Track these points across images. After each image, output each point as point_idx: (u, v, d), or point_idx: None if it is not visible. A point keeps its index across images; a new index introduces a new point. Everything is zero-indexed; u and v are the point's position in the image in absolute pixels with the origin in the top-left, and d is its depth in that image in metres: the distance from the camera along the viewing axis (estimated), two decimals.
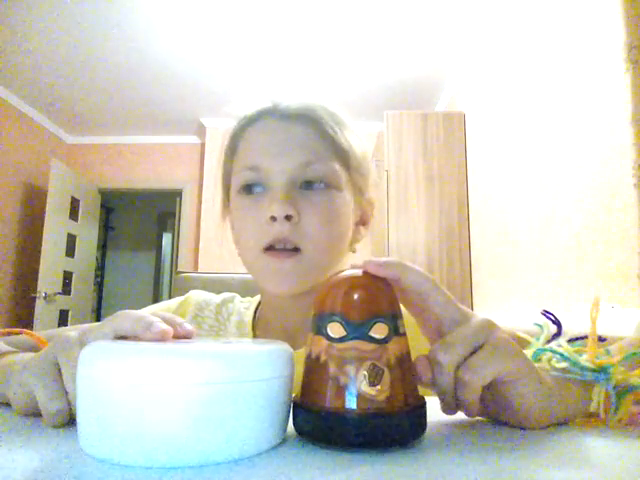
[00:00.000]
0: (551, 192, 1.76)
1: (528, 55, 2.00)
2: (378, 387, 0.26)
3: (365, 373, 0.26)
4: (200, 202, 4.00)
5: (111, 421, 0.23)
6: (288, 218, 0.51)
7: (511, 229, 2.15)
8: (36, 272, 3.48)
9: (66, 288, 3.82)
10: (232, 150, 0.60)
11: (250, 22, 2.63)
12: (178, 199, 4.44)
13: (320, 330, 0.28)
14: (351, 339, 0.27)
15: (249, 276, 0.59)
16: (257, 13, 2.55)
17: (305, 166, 0.54)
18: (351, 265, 0.32)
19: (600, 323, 0.43)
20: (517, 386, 0.30)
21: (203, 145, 4.17)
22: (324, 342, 0.27)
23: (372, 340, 0.27)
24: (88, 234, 4.20)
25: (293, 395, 0.29)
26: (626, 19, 1.33)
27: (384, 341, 0.27)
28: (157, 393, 0.23)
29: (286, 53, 2.94)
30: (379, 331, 0.27)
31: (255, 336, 0.62)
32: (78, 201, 3.99)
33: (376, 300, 0.28)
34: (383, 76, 3.20)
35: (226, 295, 0.69)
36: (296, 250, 0.52)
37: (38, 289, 3.45)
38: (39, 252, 3.49)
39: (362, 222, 0.62)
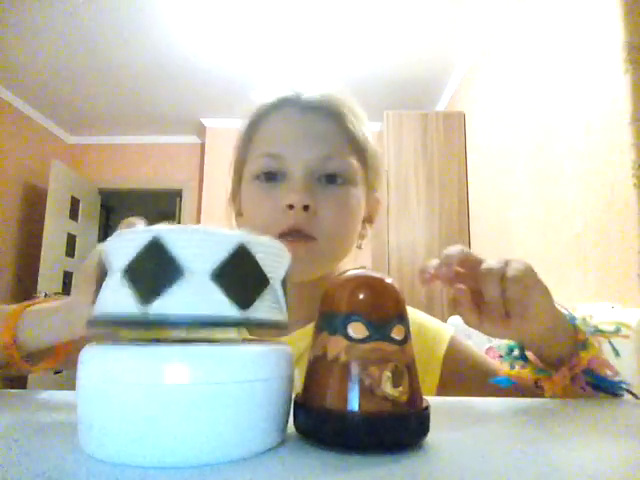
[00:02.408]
0: (551, 192, 1.76)
1: (528, 55, 2.00)
2: (400, 388, 0.26)
3: (389, 374, 0.26)
4: (200, 202, 3.99)
5: (111, 421, 0.23)
6: (306, 208, 0.51)
7: (511, 229, 2.15)
8: (36, 272, 3.48)
9: (66, 288, 3.82)
10: (249, 137, 0.59)
11: (249, 21, 2.63)
12: (178, 199, 4.44)
13: (337, 330, 0.28)
14: (374, 340, 0.27)
15: None
16: (256, 12, 2.55)
17: (325, 159, 0.54)
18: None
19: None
20: (533, 294, 0.41)
21: (203, 145, 4.17)
22: (344, 342, 0.27)
23: (393, 341, 0.27)
24: (88, 234, 4.20)
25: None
26: (626, 19, 1.33)
27: (403, 342, 0.28)
28: (157, 393, 0.23)
29: (286, 53, 2.94)
30: (398, 332, 0.28)
31: None
32: (78, 201, 3.99)
33: (395, 301, 0.28)
34: (383, 76, 3.20)
35: None
36: (311, 238, 0.52)
37: (38, 289, 3.45)
38: (39, 252, 3.49)
39: (369, 219, 0.63)
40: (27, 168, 3.75)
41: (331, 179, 0.54)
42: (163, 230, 0.25)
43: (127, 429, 0.23)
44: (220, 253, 0.25)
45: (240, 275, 0.26)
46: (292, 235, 0.51)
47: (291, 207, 0.51)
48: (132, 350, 0.24)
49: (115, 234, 0.27)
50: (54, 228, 3.63)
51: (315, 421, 0.27)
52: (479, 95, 2.67)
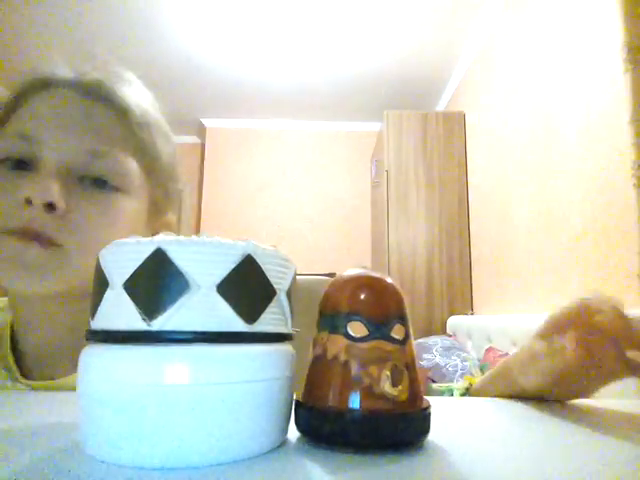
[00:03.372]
0: (551, 192, 1.76)
1: (528, 55, 2.00)
2: (399, 387, 0.26)
3: (388, 373, 0.26)
4: (200, 202, 3.99)
5: (111, 421, 0.23)
6: (50, 207, 0.41)
7: (511, 229, 2.15)
8: None
9: None
10: (6, 113, 0.47)
11: (250, 21, 2.63)
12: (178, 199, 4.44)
13: (337, 329, 0.28)
14: (374, 339, 0.27)
15: None
16: (257, 12, 2.55)
17: (92, 155, 0.45)
18: None
19: None
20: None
21: (203, 145, 4.17)
22: (343, 341, 0.27)
23: (393, 340, 0.27)
24: None
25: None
26: (626, 19, 1.33)
27: (403, 342, 0.28)
28: (157, 393, 0.23)
29: (286, 53, 2.94)
30: (398, 332, 0.28)
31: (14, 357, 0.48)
32: None
33: (395, 301, 0.29)
34: (383, 75, 3.20)
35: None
36: (53, 244, 0.42)
37: None
38: None
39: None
40: None
41: (98, 182, 0.45)
42: (167, 241, 0.24)
43: (127, 429, 0.23)
44: (226, 264, 0.25)
45: (247, 287, 0.25)
46: (25, 235, 0.41)
47: (29, 202, 0.41)
48: (132, 350, 0.24)
49: (115, 243, 0.26)
50: None
51: (315, 420, 0.27)
52: (479, 95, 2.67)
